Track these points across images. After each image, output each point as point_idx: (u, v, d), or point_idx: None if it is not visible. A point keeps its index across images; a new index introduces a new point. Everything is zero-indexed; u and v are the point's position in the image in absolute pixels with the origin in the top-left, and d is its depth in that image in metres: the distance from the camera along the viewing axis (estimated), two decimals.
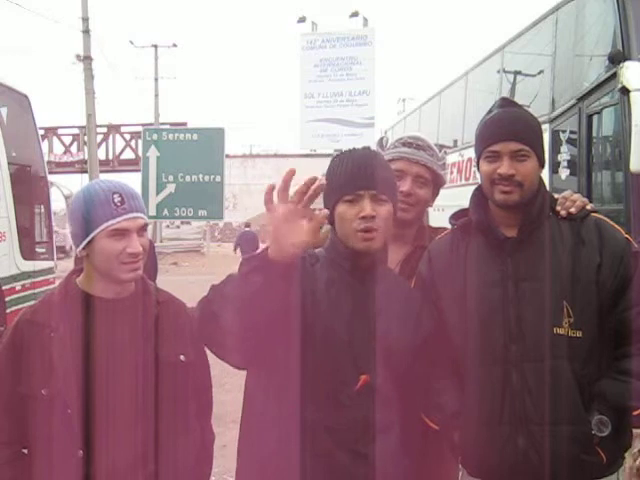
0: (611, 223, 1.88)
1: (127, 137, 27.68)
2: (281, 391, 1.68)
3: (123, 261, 1.69)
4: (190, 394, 1.83)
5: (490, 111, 1.92)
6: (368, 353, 1.68)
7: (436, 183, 2.24)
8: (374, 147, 2.35)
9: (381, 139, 2.37)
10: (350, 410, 1.66)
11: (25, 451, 1.75)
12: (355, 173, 1.69)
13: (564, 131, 6.91)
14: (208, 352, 1.76)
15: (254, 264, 1.54)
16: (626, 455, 1.90)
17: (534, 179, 1.84)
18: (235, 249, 17.44)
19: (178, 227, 38.05)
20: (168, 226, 36.04)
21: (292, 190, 1.52)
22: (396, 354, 1.72)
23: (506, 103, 1.93)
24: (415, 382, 1.81)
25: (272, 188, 1.51)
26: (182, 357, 1.78)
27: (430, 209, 2.34)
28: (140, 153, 19.02)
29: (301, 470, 1.63)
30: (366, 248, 1.69)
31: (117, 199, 1.69)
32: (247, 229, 17.81)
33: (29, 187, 8.43)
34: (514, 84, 8.83)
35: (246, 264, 1.55)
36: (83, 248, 1.72)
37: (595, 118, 6.29)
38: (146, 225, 1.76)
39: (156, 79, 29.05)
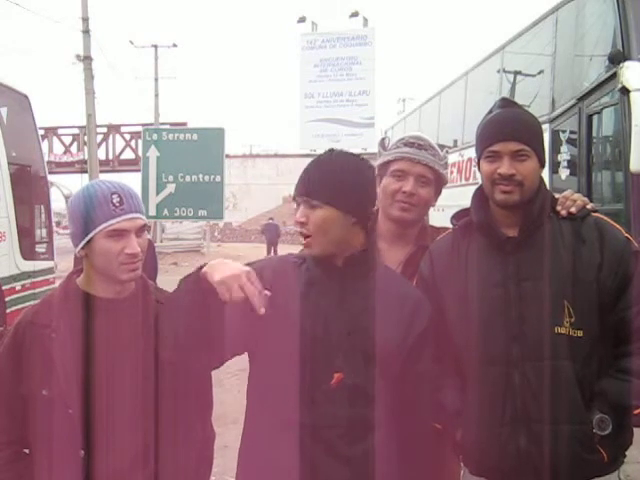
0: (611, 222, 1.88)
1: (127, 137, 27.73)
2: (263, 391, 1.73)
3: (122, 262, 1.69)
4: (191, 393, 1.83)
5: (490, 111, 1.92)
6: (345, 351, 1.69)
7: (438, 182, 2.24)
8: (375, 147, 2.36)
9: (382, 139, 2.38)
10: (326, 407, 1.66)
11: (26, 451, 1.75)
12: (301, 179, 1.76)
13: (564, 131, 6.92)
14: None
15: (190, 285, 1.64)
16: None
17: (534, 179, 1.85)
18: (262, 233, 25.05)
19: (181, 223, 38.87)
20: (173, 222, 36.59)
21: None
22: (381, 353, 1.70)
23: (506, 103, 1.94)
24: (410, 382, 1.78)
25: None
26: None
27: (430, 209, 2.34)
28: (140, 153, 19.02)
29: (284, 469, 1.66)
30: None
31: (116, 199, 1.69)
32: (271, 221, 25.43)
33: (29, 187, 8.43)
34: (514, 84, 8.84)
35: (185, 282, 1.67)
36: (82, 248, 1.72)
37: (595, 118, 6.29)
38: (145, 226, 1.76)
39: (156, 79, 29.01)
